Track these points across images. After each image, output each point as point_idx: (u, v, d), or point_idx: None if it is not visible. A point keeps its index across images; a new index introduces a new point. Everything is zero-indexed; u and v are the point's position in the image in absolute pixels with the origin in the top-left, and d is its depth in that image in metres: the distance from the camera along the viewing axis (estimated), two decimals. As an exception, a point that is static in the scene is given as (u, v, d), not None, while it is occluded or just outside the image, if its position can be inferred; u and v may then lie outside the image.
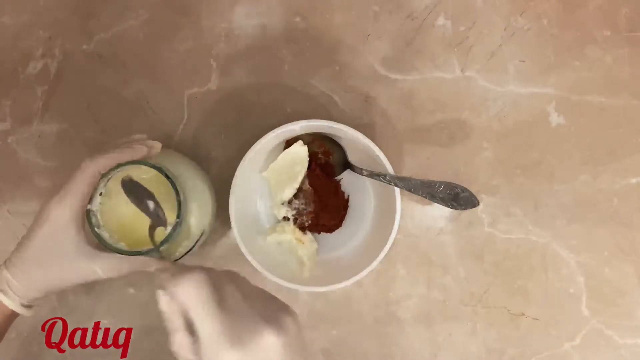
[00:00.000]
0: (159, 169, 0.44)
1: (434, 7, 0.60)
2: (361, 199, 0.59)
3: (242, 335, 0.33)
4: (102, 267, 0.44)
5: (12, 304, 0.44)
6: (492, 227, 0.59)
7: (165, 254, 0.49)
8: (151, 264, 0.45)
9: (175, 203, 0.44)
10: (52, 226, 0.42)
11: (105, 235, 0.45)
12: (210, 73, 0.60)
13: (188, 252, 0.50)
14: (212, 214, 0.53)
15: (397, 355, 0.59)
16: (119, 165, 0.44)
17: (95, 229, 0.44)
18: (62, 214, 0.42)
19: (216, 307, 0.34)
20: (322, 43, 0.60)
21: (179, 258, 0.50)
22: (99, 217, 0.45)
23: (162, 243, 0.44)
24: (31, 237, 0.43)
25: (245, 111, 0.60)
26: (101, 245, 0.44)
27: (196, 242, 0.50)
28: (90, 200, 0.43)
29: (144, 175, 0.47)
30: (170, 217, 0.45)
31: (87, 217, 0.44)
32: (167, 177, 0.44)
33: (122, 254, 0.44)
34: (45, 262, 0.43)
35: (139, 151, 0.44)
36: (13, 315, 0.45)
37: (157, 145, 0.46)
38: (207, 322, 0.34)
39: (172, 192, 0.44)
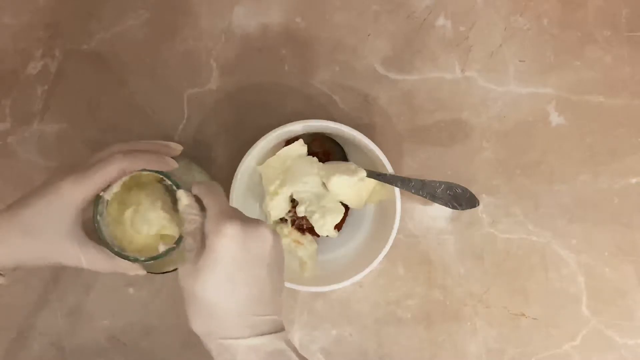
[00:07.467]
0: (166, 176, 0.44)
1: (434, 7, 0.60)
2: (361, 199, 0.59)
3: (245, 219, 0.39)
4: (87, 256, 0.43)
5: None
6: (492, 227, 0.59)
7: (178, 259, 0.49)
8: (133, 269, 0.45)
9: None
10: (58, 200, 0.41)
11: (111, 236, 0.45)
12: (210, 73, 0.60)
13: None
14: None
15: (397, 355, 0.59)
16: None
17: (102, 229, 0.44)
18: (74, 194, 0.41)
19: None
20: (322, 43, 0.60)
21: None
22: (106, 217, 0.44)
23: (177, 243, 0.44)
24: (29, 204, 0.41)
25: (245, 111, 0.60)
26: (100, 242, 0.44)
27: None
28: (105, 190, 0.43)
29: (144, 180, 0.47)
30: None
31: (95, 207, 0.43)
32: (176, 185, 0.44)
33: (135, 262, 0.44)
34: (34, 232, 0.41)
35: (167, 162, 0.44)
36: None
37: (178, 148, 0.48)
38: (217, 201, 0.40)
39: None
